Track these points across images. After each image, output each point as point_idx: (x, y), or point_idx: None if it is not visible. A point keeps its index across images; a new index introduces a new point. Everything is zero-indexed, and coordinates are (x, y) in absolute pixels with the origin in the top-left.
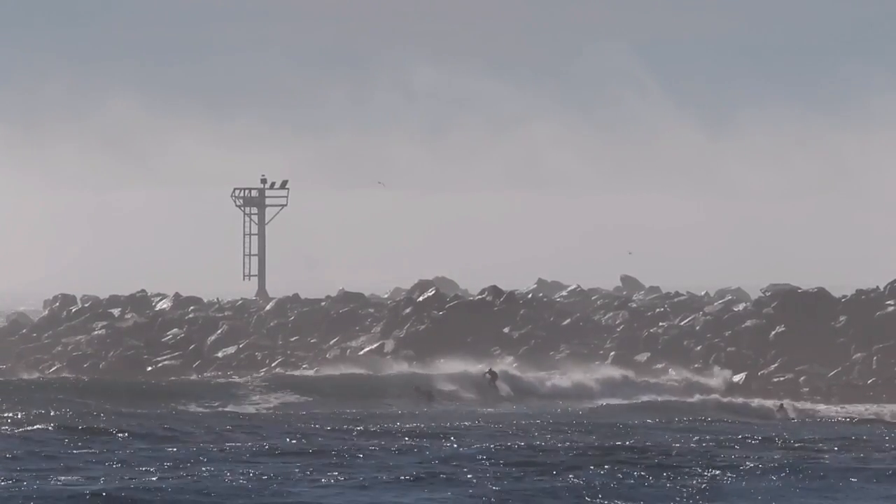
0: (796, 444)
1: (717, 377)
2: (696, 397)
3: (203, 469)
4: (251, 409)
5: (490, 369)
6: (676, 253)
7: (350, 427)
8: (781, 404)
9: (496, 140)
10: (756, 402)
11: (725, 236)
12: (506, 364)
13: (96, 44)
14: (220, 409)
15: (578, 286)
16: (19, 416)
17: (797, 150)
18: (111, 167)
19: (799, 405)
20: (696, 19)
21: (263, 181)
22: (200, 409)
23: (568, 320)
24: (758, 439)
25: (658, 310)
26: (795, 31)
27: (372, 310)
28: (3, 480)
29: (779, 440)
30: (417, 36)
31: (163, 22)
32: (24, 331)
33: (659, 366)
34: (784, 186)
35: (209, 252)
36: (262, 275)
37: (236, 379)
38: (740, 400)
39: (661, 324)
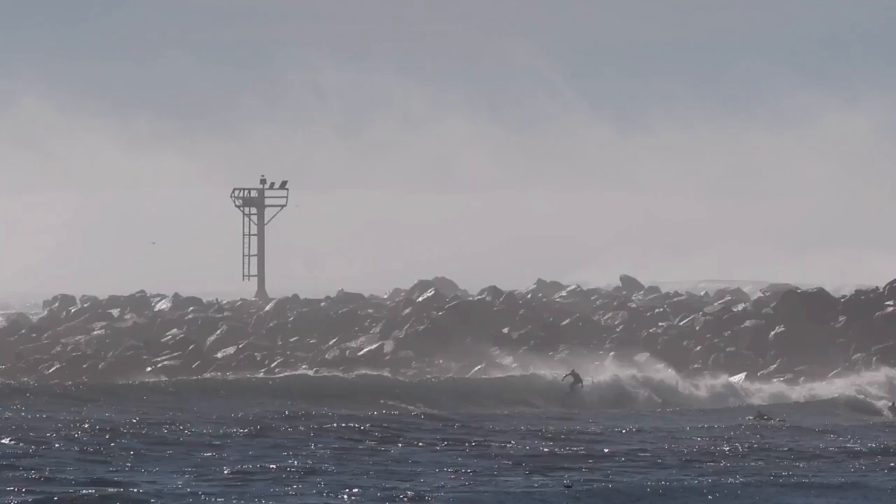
0: None
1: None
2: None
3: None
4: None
5: (572, 371)
6: (591, 250)
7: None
8: (893, 403)
9: (410, 139)
10: (862, 398)
11: (637, 232)
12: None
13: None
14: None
15: (578, 286)
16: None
17: (707, 148)
18: (27, 166)
19: None
20: (601, 18)
21: (263, 181)
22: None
23: (567, 320)
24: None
25: (657, 310)
26: (701, 30)
27: (371, 310)
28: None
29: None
30: (319, 36)
31: (71, 19)
32: (23, 331)
33: (659, 366)
34: (694, 183)
35: (209, 252)
36: (261, 275)
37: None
38: (842, 396)
39: (660, 324)
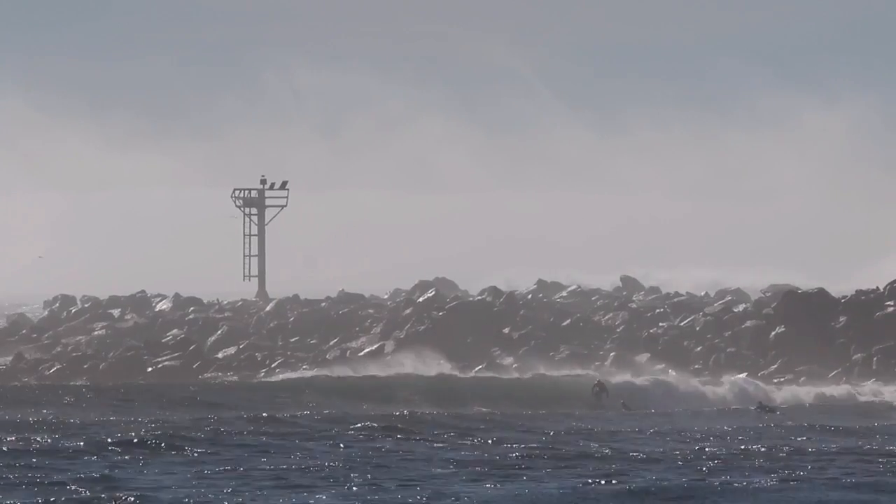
0: None
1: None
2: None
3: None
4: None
5: (598, 380)
6: (577, 250)
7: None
8: None
9: (390, 139)
10: None
11: (614, 232)
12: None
13: None
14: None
15: (578, 286)
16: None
17: (685, 149)
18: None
19: None
20: (579, 18)
21: (263, 182)
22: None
23: (568, 321)
24: None
25: (658, 310)
26: (678, 31)
27: (372, 311)
28: None
29: None
30: (297, 37)
31: (49, 21)
32: (23, 331)
33: (659, 366)
34: (673, 184)
35: (209, 252)
36: (262, 275)
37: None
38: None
39: (660, 324)
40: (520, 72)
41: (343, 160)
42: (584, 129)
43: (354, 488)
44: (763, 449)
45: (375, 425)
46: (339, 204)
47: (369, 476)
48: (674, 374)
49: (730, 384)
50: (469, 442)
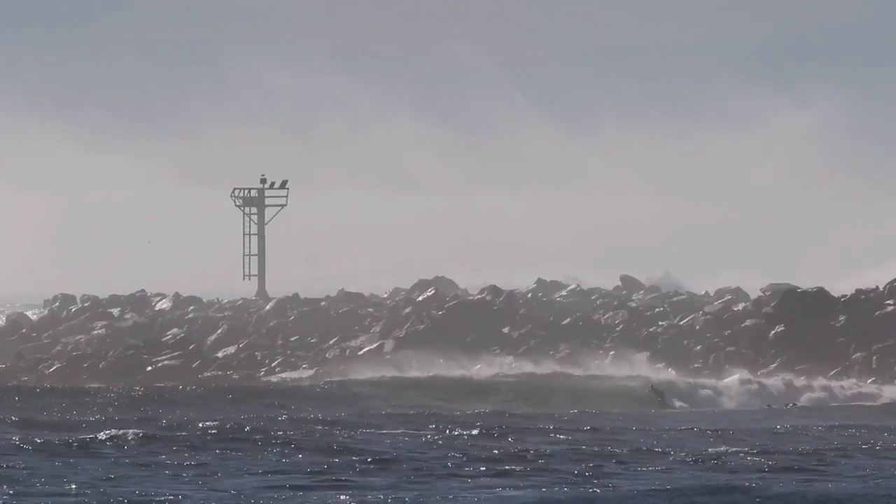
0: None
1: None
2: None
3: None
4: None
5: (652, 386)
6: (542, 251)
7: None
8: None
9: (360, 138)
10: None
11: (584, 232)
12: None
13: None
14: None
15: (578, 286)
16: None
17: (655, 148)
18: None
19: None
20: (547, 18)
21: (263, 181)
22: None
23: (567, 320)
24: None
25: (657, 309)
26: (647, 31)
27: (371, 310)
28: None
29: None
30: (264, 36)
31: (16, 19)
32: (23, 330)
33: (658, 365)
34: (644, 183)
35: (209, 252)
36: (261, 275)
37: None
38: None
39: (660, 323)
40: (486, 70)
41: (316, 159)
42: (552, 128)
43: (373, 489)
44: (771, 447)
45: (387, 422)
46: (318, 203)
47: (378, 470)
48: (673, 372)
49: (739, 381)
50: (499, 440)
